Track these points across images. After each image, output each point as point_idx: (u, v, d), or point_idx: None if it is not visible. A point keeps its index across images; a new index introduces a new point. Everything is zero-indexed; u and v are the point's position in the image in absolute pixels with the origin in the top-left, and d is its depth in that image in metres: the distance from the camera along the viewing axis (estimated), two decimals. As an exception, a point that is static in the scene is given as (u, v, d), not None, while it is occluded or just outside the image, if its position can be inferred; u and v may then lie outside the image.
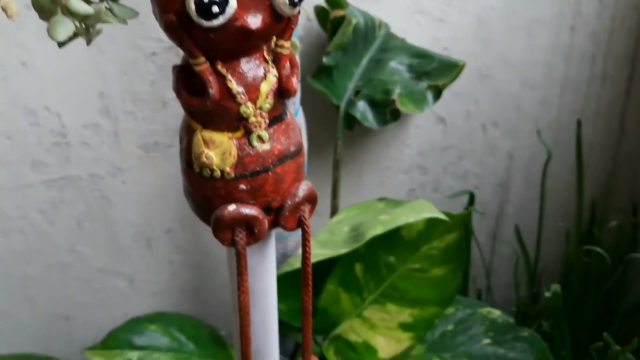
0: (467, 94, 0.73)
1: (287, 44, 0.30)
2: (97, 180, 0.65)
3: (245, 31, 0.27)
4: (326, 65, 0.59)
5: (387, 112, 0.60)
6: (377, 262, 0.56)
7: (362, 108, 0.60)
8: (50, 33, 0.27)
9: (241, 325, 0.34)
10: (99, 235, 0.68)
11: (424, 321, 0.55)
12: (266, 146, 0.31)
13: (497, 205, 0.80)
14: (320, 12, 0.64)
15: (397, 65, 0.62)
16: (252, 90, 0.29)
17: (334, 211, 0.62)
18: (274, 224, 0.33)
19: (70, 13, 0.27)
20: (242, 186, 0.31)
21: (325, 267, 0.58)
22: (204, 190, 0.32)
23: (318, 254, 0.53)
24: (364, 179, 0.73)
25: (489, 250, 0.82)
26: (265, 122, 0.30)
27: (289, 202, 0.33)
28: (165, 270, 0.72)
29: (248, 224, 0.32)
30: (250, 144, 0.30)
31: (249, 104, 0.29)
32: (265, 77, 0.30)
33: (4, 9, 0.27)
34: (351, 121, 0.62)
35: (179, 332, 0.58)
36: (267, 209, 0.32)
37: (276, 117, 0.31)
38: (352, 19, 0.61)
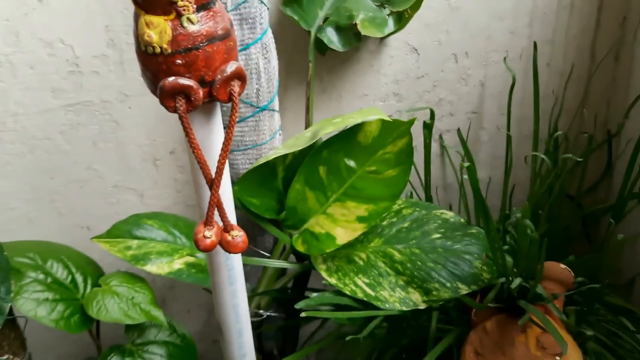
0: (438, 25, 0.79)
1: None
2: (107, 105, 0.75)
3: None
4: (295, -8, 0.67)
5: (351, 35, 0.68)
6: (338, 165, 0.64)
7: (329, 33, 0.68)
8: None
9: (207, 178, 0.43)
10: (112, 155, 0.78)
11: (376, 214, 0.63)
12: (195, 27, 0.39)
13: (473, 132, 0.87)
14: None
15: (363, -4, 0.70)
16: (178, -21, 0.38)
17: (307, 126, 0.71)
18: (210, 95, 0.42)
19: None
20: (179, 61, 0.40)
21: (294, 171, 0.67)
22: (150, 66, 0.41)
23: (281, 151, 0.62)
24: (343, 106, 0.81)
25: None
26: (192, 7, 0.39)
27: (219, 77, 0.41)
28: (171, 187, 0.82)
29: (186, 93, 0.41)
30: (181, 25, 0.39)
31: (176, -10, 0.38)
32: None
33: None
34: (321, 46, 0.70)
35: (173, 228, 0.69)
36: (201, 82, 0.41)
37: (204, 4, 0.40)
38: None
